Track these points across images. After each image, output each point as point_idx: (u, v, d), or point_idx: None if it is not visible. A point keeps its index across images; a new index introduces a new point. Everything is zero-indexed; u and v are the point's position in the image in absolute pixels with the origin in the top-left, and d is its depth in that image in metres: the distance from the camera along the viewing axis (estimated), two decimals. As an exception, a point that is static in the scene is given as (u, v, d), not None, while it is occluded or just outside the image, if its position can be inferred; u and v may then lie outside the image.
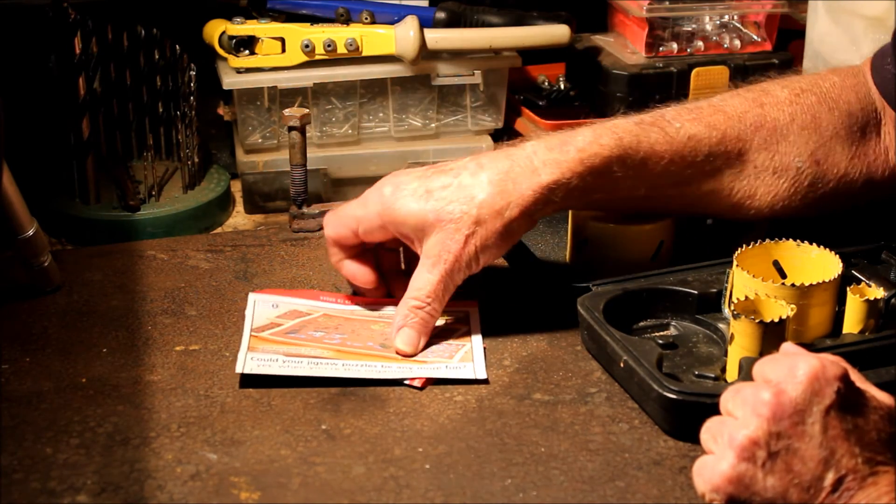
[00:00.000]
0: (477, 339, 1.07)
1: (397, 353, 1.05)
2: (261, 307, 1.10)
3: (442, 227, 1.04)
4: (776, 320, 0.95)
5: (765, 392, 0.81)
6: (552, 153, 1.05)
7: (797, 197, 1.12)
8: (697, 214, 1.17)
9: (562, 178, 1.05)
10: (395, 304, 1.12)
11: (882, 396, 0.82)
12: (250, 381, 1.00)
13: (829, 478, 0.79)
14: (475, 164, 1.06)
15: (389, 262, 1.14)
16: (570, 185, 1.05)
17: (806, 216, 1.13)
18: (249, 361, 1.01)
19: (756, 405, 0.81)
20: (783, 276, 1.05)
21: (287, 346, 1.04)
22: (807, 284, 1.00)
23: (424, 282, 1.05)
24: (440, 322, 1.09)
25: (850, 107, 1.12)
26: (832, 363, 0.81)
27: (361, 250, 1.11)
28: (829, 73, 1.15)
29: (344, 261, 1.11)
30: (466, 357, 1.05)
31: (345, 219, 1.09)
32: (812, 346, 0.95)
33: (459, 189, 1.05)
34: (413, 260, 1.10)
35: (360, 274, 1.11)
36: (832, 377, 0.80)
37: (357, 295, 1.14)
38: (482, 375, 1.02)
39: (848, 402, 0.80)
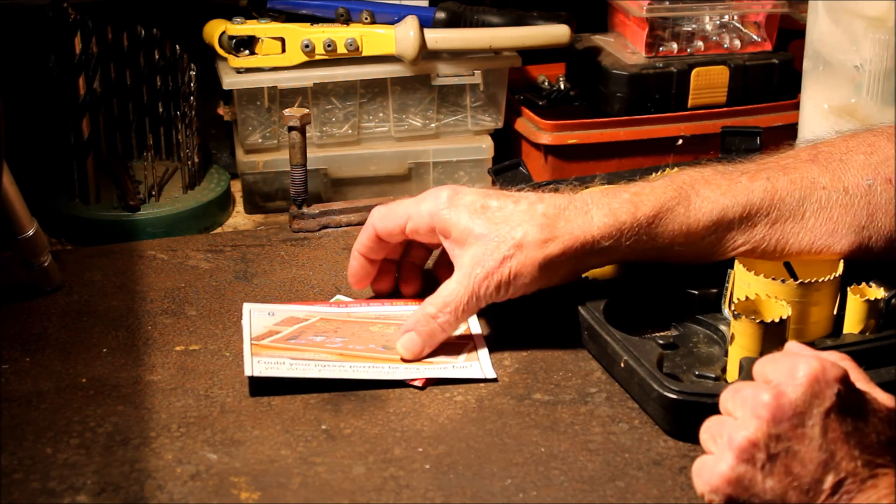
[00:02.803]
0: (479, 338, 1.07)
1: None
2: (257, 316, 1.09)
3: (483, 242, 1.03)
4: (776, 320, 0.95)
5: (764, 393, 0.81)
6: (606, 197, 1.05)
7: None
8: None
9: (612, 221, 1.03)
10: (391, 303, 1.12)
11: (883, 398, 0.82)
12: (254, 383, 1.00)
13: (829, 480, 0.79)
14: (536, 196, 1.06)
15: (418, 256, 1.14)
16: (621, 229, 1.03)
17: None
18: (257, 364, 1.00)
19: (755, 406, 0.81)
20: (794, 277, 1.05)
21: (290, 351, 1.04)
22: (807, 282, 1.00)
23: (449, 291, 1.04)
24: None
25: None
26: (832, 365, 0.81)
27: (386, 257, 1.12)
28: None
29: (362, 255, 1.11)
30: (472, 356, 1.05)
31: (396, 213, 1.08)
32: (813, 346, 0.95)
33: (513, 213, 1.04)
34: (443, 265, 1.12)
35: (362, 273, 1.12)
36: (832, 379, 0.80)
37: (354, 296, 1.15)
38: (491, 375, 1.02)
39: (848, 404, 0.80)
